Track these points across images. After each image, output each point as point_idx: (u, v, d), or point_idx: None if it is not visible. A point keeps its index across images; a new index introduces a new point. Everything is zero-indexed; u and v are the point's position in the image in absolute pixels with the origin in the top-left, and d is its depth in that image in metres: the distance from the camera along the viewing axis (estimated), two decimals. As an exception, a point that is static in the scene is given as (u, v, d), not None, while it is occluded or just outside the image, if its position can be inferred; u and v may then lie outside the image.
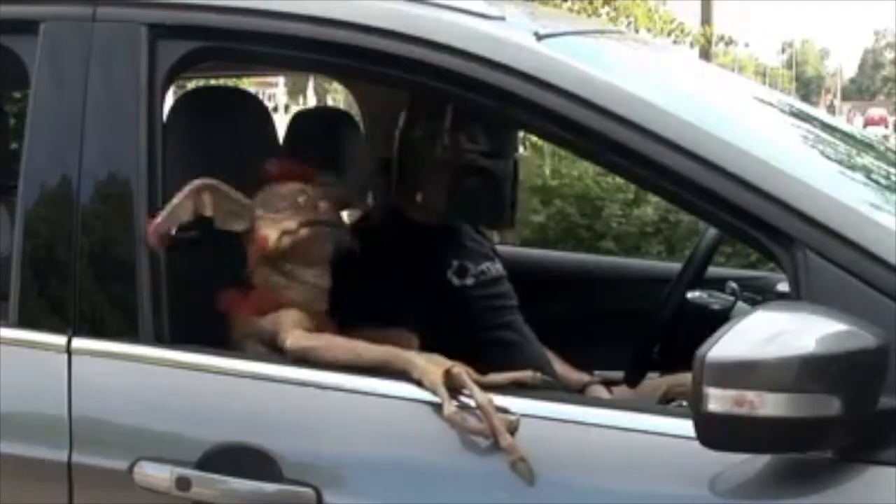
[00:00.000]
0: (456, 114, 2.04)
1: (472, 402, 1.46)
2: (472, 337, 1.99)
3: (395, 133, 2.15)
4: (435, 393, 1.48)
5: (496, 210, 2.16)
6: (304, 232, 1.70)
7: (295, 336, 1.61)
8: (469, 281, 2.14)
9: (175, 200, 1.62)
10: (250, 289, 1.73)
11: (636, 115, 1.49)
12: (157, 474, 1.53)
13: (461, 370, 1.49)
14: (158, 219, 1.60)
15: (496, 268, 2.25)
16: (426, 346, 1.65)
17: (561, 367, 2.28)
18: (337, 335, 1.63)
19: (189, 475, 1.52)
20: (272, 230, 1.68)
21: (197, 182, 1.64)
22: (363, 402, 1.54)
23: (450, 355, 1.53)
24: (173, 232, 1.62)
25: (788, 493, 1.37)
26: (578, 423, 1.47)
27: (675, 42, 9.45)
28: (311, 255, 1.72)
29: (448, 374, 1.48)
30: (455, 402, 1.46)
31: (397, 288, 2.00)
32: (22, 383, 1.63)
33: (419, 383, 1.50)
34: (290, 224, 1.69)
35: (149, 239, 1.61)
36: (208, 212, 1.65)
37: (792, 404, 1.28)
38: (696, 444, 1.32)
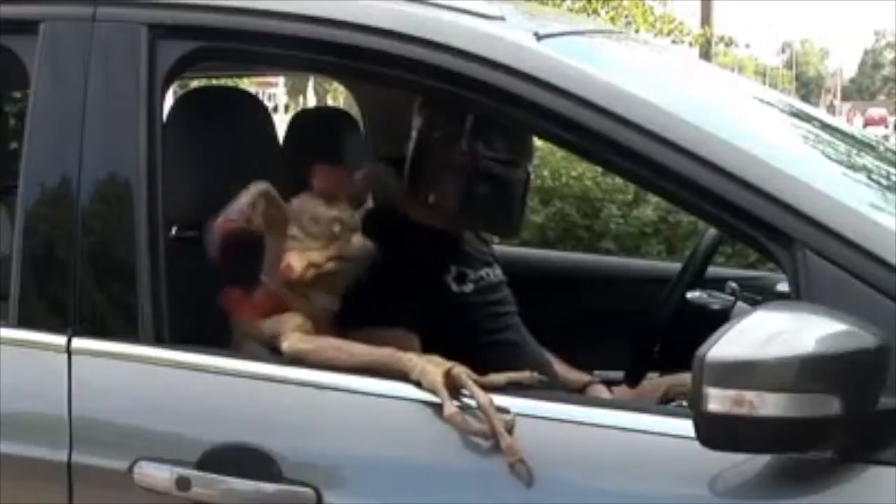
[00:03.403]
0: (475, 119, 2.05)
1: (472, 403, 1.46)
2: (470, 342, 1.99)
3: (410, 134, 2.15)
4: (434, 394, 1.48)
5: (505, 218, 2.17)
6: (329, 266, 1.68)
7: (293, 339, 1.60)
8: (468, 287, 2.14)
9: (241, 203, 1.60)
10: (253, 289, 1.73)
11: (636, 115, 1.49)
12: (157, 474, 1.53)
13: (461, 371, 1.49)
14: (223, 218, 1.60)
15: (495, 273, 2.25)
16: (425, 351, 1.64)
17: (561, 368, 2.28)
18: (336, 337, 1.63)
19: (189, 475, 1.52)
20: (299, 260, 1.66)
21: (258, 188, 1.62)
22: (363, 402, 1.54)
23: (449, 359, 1.52)
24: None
25: (788, 493, 1.37)
26: (578, 423, 1.47)
27: (673, 42, 9.48)
28: (330, 286, 1.71)
29: (448, 375, 1.48)
30: (456, 403, 1.46)
31: (397, 290, 2.00)
32: (22, 383, 1.63)
33: (418, 384, 1.50)
34: (319, 257, 1.67)
35: (214, 238, 1.60)
36: (257, 220, 1.63)
37: (792, 404, 1.28)
38: (696, 444, 1.32)
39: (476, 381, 1.48)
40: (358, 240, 1.72)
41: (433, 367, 1.50)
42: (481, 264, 2.22)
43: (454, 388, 1.48)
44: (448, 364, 1.50)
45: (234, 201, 1.62)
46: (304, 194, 1.71)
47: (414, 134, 2.14)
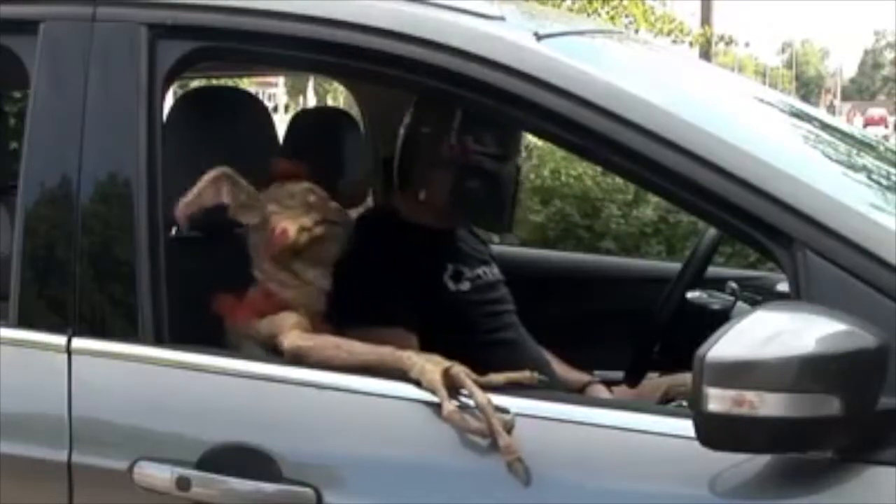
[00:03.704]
0: (464, 114, 2.05)
1: (470, 402, 1.46)
2: (468, 341, 1.99)
3: (399, 130, 2.15)
4: (433, 392, 1.48)
5: (496, 213, 2.16)
6: (319, 230, 1.72)
7: (292, 336, 1.61)
8: (464, 286, 2.14)
9: (199, 186, 1.66)
10: (250, 285, 1.73)
11: (636, 115, 1.49)
12: (157, 474, 1.53)
13: (460, 370, 1.49)
14: (185, 200, 1.65)
15: (492, 272, 2.24)
16: (423, 349, 1.65)
17: (561, 368, 2.28)
18: (335, 336, 1.64)
19: (189, 475, 1.52)
20: (291, 224, 1.70)
21: (216, 170, 1.68)
22: (363, 402, 1.54)
23: (446, 358, 1.52)
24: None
25: (788, 493, 1.37)
26: (578, 423, 1.47)
27: (674, 42, 9.49)
28: (320, 254, 1.74)
29: (447, 374, 1.48)
30: (454, 402, 1.46)
31: (394, 289, 2.00)
32: (22, 383, 1.63)
33: (417, 383, 1.50)
34: (307, 221, 1.72)
35: (178, 220, 1.67)
36: (226, 199, 1.68)
37: (792, 404, 1.28)
38: (696, 444, 1.32)
39: (475, 381, 1.48)
40: (335, 204, 1.76)
41: (432, 365, 1.50)
42: (478, 263, 2.22)
43: (453, 387, 1.48)
44: (447, 363, 1.50)
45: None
46: (272, 185, 1.76)
47: (402, 131, 2.14)
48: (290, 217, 1.72)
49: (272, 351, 1.64)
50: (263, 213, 1.72)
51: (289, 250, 1.71)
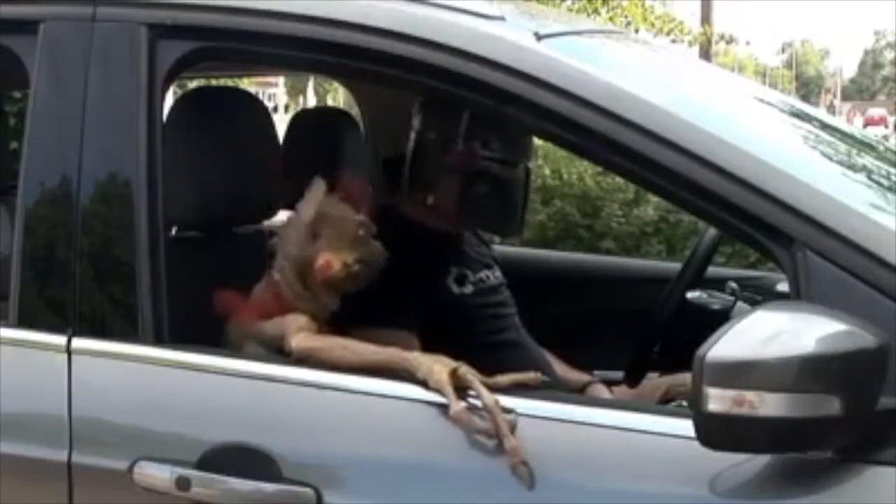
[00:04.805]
0: (471, 120, 2.05)
1: (478, 403, 1.46)
2: (470, 343, 1.98)
3: (408, 134, 2.15)
4: (441, 393, 1.48)
5: (505, 218, 2.17)
6: (356, 269, 1.70)
7: (300, 338, 1.61)
8: (468, 289, 2.14)
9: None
10: (249, 285, 1.73)
11: (636, 115, 1.49)
12: (157, 474, 1.53)
13: (467, 370, 1.49)
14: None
15: (495, 275, 2.24)
16: (424, 351, 1.65)
17: (561, 368, 2.28)
18: (339, 337, 1.64)
19: (189, 475, 1.52)
20: (335, 258, 1.69)
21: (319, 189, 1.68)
22: (363, 402, 1.54)
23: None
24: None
25: (788, 493, 1.37)
26: (578, 423, 1.47)
27: (673, 41, 9.49)
28: (343, 287, 1.73)
29: (454, 374, 1.49)
30: (462, 402, 1.46)
31: (397, 291, 2.00)
32: (22, 383, 1.63)
33: (424, 384, 1.50)
34: (349, 258, 1.70)
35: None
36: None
37: (792, 404, 1.28)
38: (696, 444, 1.32)
39: (482, 382, 1.48)
40: (377, 246, 1.74)
41: (440, 366, 1.50)
42: (481, 266, 2.22)
43: (460, 388, 1.48)
44: (454, 364, 1.50)
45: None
46: (328, 195, 1.72)
47: (412, 135, 2.14)
48: (337, 250, 1.69)
49: (277, 351, 1.64)
50: (317, 231, 1.70)
51: (330, 281, 1.70)
